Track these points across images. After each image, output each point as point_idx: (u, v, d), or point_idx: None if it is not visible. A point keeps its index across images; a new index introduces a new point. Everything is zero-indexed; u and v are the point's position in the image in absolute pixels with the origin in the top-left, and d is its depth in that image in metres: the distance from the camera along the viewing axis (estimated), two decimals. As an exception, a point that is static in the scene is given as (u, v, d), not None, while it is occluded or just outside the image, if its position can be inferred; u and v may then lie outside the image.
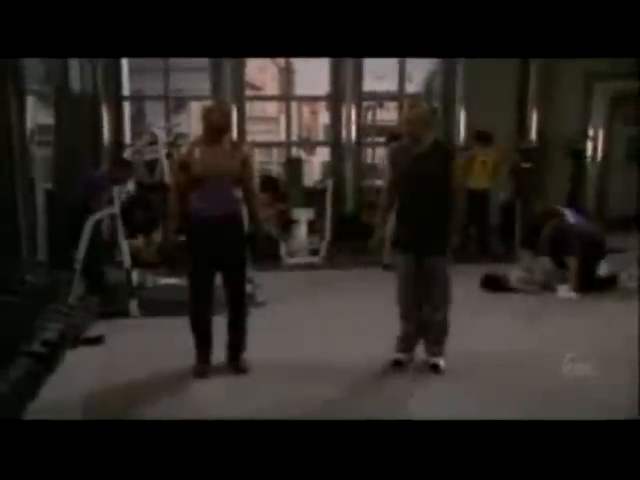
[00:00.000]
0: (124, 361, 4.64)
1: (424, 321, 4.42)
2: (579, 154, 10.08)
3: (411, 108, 4.38)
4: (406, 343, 4.47)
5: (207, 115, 4.25)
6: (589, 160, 10.30)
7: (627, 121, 10.42)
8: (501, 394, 3.99)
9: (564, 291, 6.51)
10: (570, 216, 6.88)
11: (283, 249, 8.53)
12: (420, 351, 4.51)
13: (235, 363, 4.41)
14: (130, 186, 6.66)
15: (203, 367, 4.37)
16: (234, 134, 9.52)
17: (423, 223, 4.27)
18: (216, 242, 4.25)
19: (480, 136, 8.71)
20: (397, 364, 4.43)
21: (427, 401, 3.97)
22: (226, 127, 4.33)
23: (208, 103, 4.71)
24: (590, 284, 6.54)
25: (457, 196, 4.33)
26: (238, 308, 4.42)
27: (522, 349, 4.82)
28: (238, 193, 4.42)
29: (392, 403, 3.93)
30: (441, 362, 4.36)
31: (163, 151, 6.58)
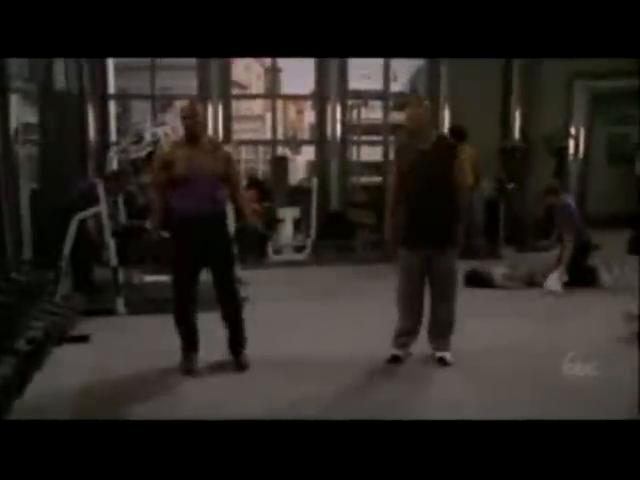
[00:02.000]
0: (110, 359, 4.64)
1: (432, 316, 4.48)
2: (561, 152, 10.20)
3: (414, 106, 4.48)
4: (404, 339, 4.50)
5: (182, 116, 4.32)
6: (571, 158, 10.43)
7: (607, 119, 10.56)
8: (498, 392, 3.99)
9: (553, 280, 6.55)
10: (570, 199, 7.10)
11: (269, 246, 8.57)
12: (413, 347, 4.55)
13: (236, 359, 4.43)
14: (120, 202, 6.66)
15: (189, 364, 4.38)
16: (219, 133, 9.57)
17: (430, 219, 4.32)
18: (199, 240, 4.28)
19: (453, 132, 8.64)
20: (395, 360, 4.45)
21: (421, 397, 3.99)
22: (196, 127, 4.31)
23: (183, 103, 4.73)
24: (575, 277, 6.62)
25: (459, 192, 4.38)
26: (230, 305, 4.44)
27: (514, 346, 4.84)
28: (223, 193, 4.44)
29: (390, 400, 3.91)
30: (448, 356, 4.42)
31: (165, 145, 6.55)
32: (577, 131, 10.44)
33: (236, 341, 4.46)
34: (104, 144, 9.42)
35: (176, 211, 4.32)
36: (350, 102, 10.44)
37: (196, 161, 4.25)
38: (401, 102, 9.90)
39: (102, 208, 5.98)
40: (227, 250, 4.45)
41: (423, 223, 4.34)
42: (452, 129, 8.82)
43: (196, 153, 4.27)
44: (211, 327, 4.48)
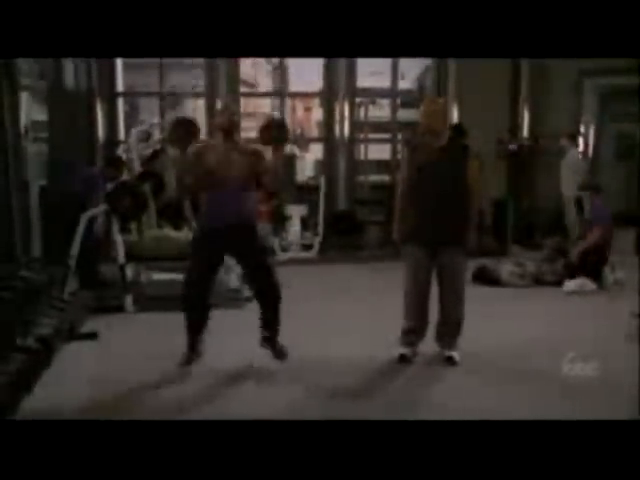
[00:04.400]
0: (119, 356, 4.66)
1: (440, 315, 4.47)
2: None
3: (430, 104, 4.60)
4: (412, 337, 4.50)
5: (215, 117, 4.39)
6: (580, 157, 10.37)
7: (615, 117, 10.48)
8: (499, 392, 3.99)
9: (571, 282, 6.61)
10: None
11: (276, 244, 8.60)
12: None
13: (274, 350, 4.40)
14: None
15: (190, 356, 4.34)
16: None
17: (440, 217, 4.31)
18: (226, 246, 4.29)
19: (454, 129, 8.47)
20: (403, 359, 4.44)
21: (427, 398, 3.99)
22: (231, 126, 4.30)
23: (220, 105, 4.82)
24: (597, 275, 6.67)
25: (473, 192, 4.38)
26: (270, 296, 4.38)
27: (518, 346, 4.83)
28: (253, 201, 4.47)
29: (397, 400, 3.89)
30: (456, 354, 4.42)
31: (134, 149, 6.87)
32: (586, 129, 10.38)
33: (273, 330, 4.40)
34: (112, 142, 9.47)
35: (203, 218, 4.36)
36: (358, 100, 10.43)
37: (225, 160, 4.19)
38: (417, 100, 9.90)
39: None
40: (259, 252, 4.38)
41: (433, 221, 4.33)
42: (453, 127, 8.76)
43: (225, 152, 4.22)
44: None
